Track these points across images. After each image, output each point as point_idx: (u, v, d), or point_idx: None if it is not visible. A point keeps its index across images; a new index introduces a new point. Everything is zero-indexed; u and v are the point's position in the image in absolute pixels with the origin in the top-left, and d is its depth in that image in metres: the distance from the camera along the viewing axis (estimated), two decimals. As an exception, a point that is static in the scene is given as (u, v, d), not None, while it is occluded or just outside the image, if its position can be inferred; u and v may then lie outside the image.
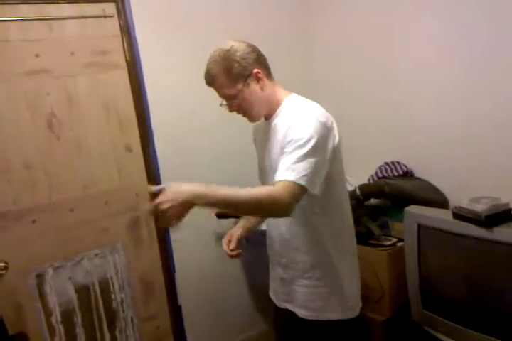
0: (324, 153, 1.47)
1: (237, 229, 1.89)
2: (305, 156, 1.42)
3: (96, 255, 2.35)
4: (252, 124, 1.76)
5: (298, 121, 1.49)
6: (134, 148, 2.40)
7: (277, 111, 1.61)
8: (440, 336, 2.10)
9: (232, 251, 1.83)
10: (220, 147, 2.66)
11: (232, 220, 2.60)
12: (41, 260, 2.20)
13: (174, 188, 1.32)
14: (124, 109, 2.35)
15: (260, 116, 1.63)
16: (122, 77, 2.33)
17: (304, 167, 1.41)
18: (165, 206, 1.27)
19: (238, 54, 1.54)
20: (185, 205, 1.30)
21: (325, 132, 1.48)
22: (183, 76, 2.49)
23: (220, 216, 2.60)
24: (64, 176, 2.22)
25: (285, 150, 1.46)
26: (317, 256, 1.63)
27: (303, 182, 1.40)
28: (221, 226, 2.70)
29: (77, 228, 2.28)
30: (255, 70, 1.55)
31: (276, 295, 1.82)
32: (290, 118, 1.53)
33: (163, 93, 2.45)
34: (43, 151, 2.16)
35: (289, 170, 1.41)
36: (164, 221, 1.32)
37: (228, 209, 1.49)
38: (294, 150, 1.43)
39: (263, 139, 1.69)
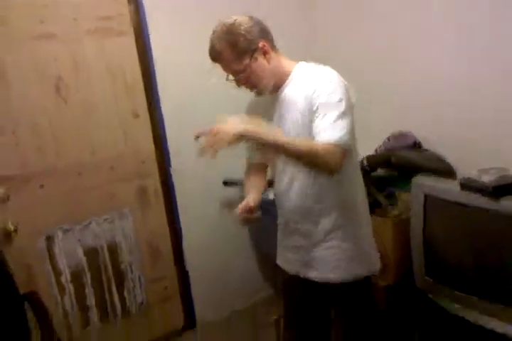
0: (352, 114, 1.50)
1: (253, 197, 1.78)
2: (340, 117, 1.44)
3: (105, 220, 2.40)
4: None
5: (322, 84, 1.48)
6: (141, 114, 2.40)
7: (287, 81, 1.59)
8: (442, 302, 2.14)
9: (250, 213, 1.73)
10: (228, 112, 2.62)
11: (238, 188, 2.63)
12: (50, 223, 2.24)
13: (233, 121, 1.41)
14: (131, 75, 2.34)
15: (269, 89, 1.60)
16: (129, 42, 2.31)
17: (343, 126, 1.44)
18: (219, 131, 1.37)
19: (242, 27, 1.51)
20: (236, 137, 1.38)
21: (347, 93, 1.50)
22: (191, 42, 2.44)
23: (226, 183, 2.62)
24: (71, 141, 2.24)
25: (316, 114, 1.47)
26: (339, 219, 1.64)
27: (344, 142, 1.44)
28: (228, 194, 2.72)
29: (85, 193, 2.31)
30: (261, 43, 1.53)
31: (289, 264, 1.80)
32: (308, 85, 1.51)
33: (170, 59, 2.42)
34: (51, 115, 2.17)
35: (329, 130, 1.43)
36: (209, 143, 1.39)
37: (281, 153, 1.49)
38: (327, 112, 1.45)
39: (269, 112, 1.65)
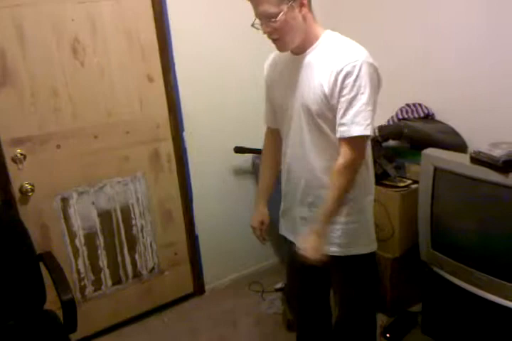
0: (376, 96, 1.51)
1: (261, 214, 1.90)
2: (366, 105, 1.45)
3: (118, 182, 2.44)
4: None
5: (351, 64, 1.44)
6: (156, 78, 2.41)
7: (314, 45, 1.54)
8: (446, 275, 2.15)
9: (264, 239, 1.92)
10: (242, 76, 2.64)
11: (249, 155, 2.65)
12: (66, 184, 2.29)
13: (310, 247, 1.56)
14: (147, 38, 2.34)
15: (293, 45, 1.53)
16: (145, 4, 2.30)
17: (365, 116, 1.46)
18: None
19: None
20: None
21: (376, 74, 1.49)
22: (208, 3, 2.46)
23: (237, 150, 2.64)
24: (87, 103, 2.26)
25: (342, 99, 1.46)
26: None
27: (368, 133, 1.48)
28: (239, 161, 2.75)
29: (100, 155, 2.35)
30: None
31: (294, 235, 1.79)
32: (337, 59, 1.47)
33: (186, 21, 2.41)
34: (68, 77, 2.19)
35: (354, 124, 1.46)
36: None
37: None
38: (353, 98, 1.45)
39: (286, 75, 1.62)
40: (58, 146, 2.23)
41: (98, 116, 2.31)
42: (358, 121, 1.45)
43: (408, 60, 2.47)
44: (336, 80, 1.46)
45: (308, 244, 1.55)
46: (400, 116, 2.41)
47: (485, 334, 2.09)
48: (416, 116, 2.38)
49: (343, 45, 1.51)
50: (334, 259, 1.68)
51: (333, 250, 1.68)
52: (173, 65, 2.42)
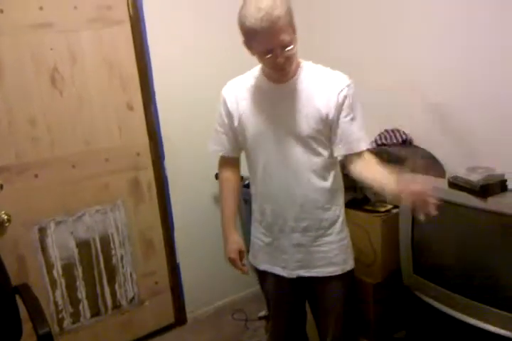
0: None
1: (236, 243, 1.80)
2: (362, 121, 1.62)
3: (97, 211, 2.41)
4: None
5: (347, 86, 1.56)
6: (136, 106, 2.42)
7: (297, 73, 1.58)
8: (429, 300, 2.15)
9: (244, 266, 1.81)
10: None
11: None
12: (43, 214, 2.26)
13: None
14: (126, 66, 2.35)
15: (292, 74, 1.58)
16: (125, 33, 2.32)
17: (366, 132, 1.64)
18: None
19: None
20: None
21: None
22: (188, 32, 2.48)
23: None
24: (66, 132, 2.25)
25: (345, 119, 1.57)
26: (337, 210, 1.71)
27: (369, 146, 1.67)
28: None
29: (79, 184, 2.33)
30: None
31: (285, 265, 1.75)
32: (331, 82, 1.57)
33: (167, 50, 2.44)
34: (46, 106, 2.18)
35: (362, 140, 1.61)
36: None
37: None
38: (355, 118, 1.59)
39: (269, 104, 1.61)
40: (36, 175, 2.20)
41: (76, 145, 2.30)
42: (363, 137, 1.61)
43: (386, 87, 2.51)
44: (337, 102, 1.55)
45: (415, 184, 1.40)
46: (379, 142, 2.45)
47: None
48: (394, 141, 2.42)
49: (326, 71, 1.61)
50: (326, 280, 1.72)
51: (331, 270, 1.71)
52: (154, 93, 2.44)
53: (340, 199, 1.74)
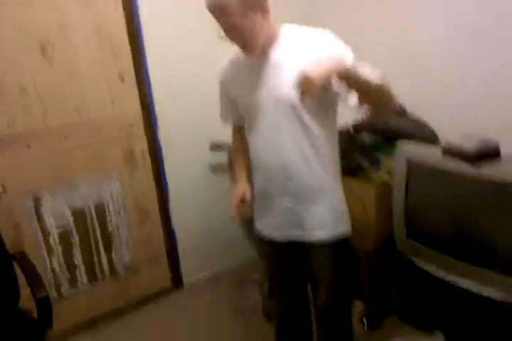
0: None
1: (241, 187, 1.83)
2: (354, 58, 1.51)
3: (91, 181, 2.41)
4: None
5: (325, 36, 1.52)
6: (128, 76, 2.38)
7: (274, 44, 1.57)
8: (421, 263, 2.20)
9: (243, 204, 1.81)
10: (214, 72, 2.59)
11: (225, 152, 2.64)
12: (37, 183, 2.25)
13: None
14: (117, 37, 2.30)
15: (259, 48, 1.57)
16: (116, 3, 2.26)
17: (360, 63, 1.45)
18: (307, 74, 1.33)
19: None
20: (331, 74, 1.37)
21: None
22: (180, 2, 2.41)
23: (213, 148, 2.63)
24: (57, 102, 2.22)
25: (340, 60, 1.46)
26: (327, 178, 1.69)
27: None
28: (214, 157, 2.74)
29: (72, 154, 2.32)
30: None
31: (278, 228, 1.80)
32: (309, 41, 1.53)
33: (158, 18, 2.37)
34: (37, 76, 2.15)
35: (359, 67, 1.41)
36: (301, 86, 1.36)
37: (363, 91, 1.45)
38: (343, 55, 1.50)
39: (255, 74, 1.62)
40: (28, 146, 2.19)
41: (69, 115, 2.27)
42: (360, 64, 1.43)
43: (381, 55, 2.47)
44: (319, 53, 1.48)
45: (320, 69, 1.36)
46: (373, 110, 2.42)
47: (459, 319, 2.15)
48: (389, 109, 2.40)
49: (308, 32, 1.57)
50: (318, 244, 1.73)
51: (320, 234, 1.72)
52: (146, 62, 2.39)
53: (333, 167, 1.72)
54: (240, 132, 1.87)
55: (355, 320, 2.23)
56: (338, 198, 1.75)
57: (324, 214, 1.71)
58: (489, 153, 1.91)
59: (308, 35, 1.56)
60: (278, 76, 1.57)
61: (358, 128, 2.29)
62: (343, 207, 1.78)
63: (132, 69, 2.38)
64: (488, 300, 1.97)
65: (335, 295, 1.87)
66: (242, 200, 1.80)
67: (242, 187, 1.83)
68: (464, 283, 2.05)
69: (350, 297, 1.96)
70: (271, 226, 1.82)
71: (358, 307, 2.47)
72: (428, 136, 2.27)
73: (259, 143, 1.71)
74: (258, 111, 1.65)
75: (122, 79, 2.36)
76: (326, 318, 1.96)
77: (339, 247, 1.78)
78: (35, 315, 1.90)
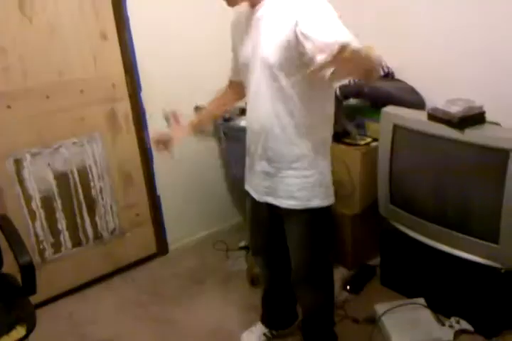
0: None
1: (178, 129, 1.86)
2: (334, 20, 1.30)
3: (74, 143, 2.38)
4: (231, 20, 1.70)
5: (304, 2, 1.36)
6: (110, 35, 2.32)
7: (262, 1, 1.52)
8: (404, 229, 2.24)
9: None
10: (201, 32, 2.57)
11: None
12: (18, 145, 2.22)
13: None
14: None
15: (239, 1, 1.54)
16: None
17: (343, 29, 1.28)
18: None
19: None
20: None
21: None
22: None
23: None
24: (38, 61, 2.17)
25: (306, 25, 1.28)
26: (304, 148, 1.63)
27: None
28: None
29: (54, 116, 2.27)
30: None
31: (256, 189, 1.81)
32: (291, 3, 1.41)
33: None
34: (16, 35, 2.09)
35: (335, 33, 1.23)
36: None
37: (360, 67, 1.28)
38: (319, 22, 1.28)
39: (245, 30, 1.60)
40: (9, 106, 2.14)
41: (50, 75, 2.21)
42: (340, 35, 1.23)
43: (370, 18, 2.44)
44: (296, 22, 1.34)
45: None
46: (361, 74, 2.41)
47: (439, 283, 2.19)
48: (376, 73, 2.38)
49: None
50: (291, 213, 1.72)
51: (292, 203, 1.70)
52: (128, 21, 2.32)
53: (315, 137, 1.64)
54: (231, 86, 1.87)
55: (337, 286, 2.26)
56: (317, 172, 1.69)
57: (297, 185, 1.68)
58: (474, 119, 1.91)
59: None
60: (263, 34, 1.52)
61: (344, 93, 2.26)
62: (324, 180, 1.71)
63: (114, 28, 2.32)
64: (467, 263, 2.01)
65: (310, 265, 1.87)
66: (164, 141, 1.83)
67: (178, 129, 1.86)
68: (445, 247, 2.08)
69: (327, 267, 1.93)
70: (252, 186, 1.83)
71: (340, 273, 2.50)
72: (415, 102, 2.27)
73: (248, 102, 1.71)
74: (247, 69, 1.64)
75: (104, 37, 2.30)
76: (302, 294, 1.98)
77: (313, 217, 1.75)
78: (19, 279, 1.89)
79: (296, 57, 1.43)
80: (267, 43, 1.50)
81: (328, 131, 1.71)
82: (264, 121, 1.64)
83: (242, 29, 1.64)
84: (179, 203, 2.84)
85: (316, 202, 1.71)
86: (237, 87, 1.84)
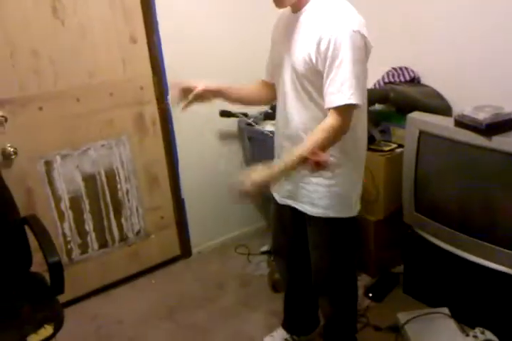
0: (364, 63, 1.48)
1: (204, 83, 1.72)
2: (349, 72, 1.43)
3: (102, 146, 2.42)
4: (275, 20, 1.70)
5: (335, 29, 1.42)
6: (139, 39, 2.37)
7: (307, 5, 1.52)
8: (428, 237, 2.20)
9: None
10: (225, 37, 2.61)
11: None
12: (49, 147, 2.27)
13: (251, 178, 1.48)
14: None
15: (288, 3, 1.52)
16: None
17: (351, 85, 1.43)
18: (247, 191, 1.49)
19: None
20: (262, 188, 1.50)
21: (361, 41, 1.45)
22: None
23: (223, 114, 2.61)
24: (69, 64, 2.22)
25: (328, 68, 1.45)
26: (331, 155, 1.60)
27: (353, 101, 1.45)
28: (224, 125, 2.73)
29: (84, 118, 2.32)
30: None
31: (279, 191, 1.82)
32: (323, 20, 1.45)
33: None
34: (48, 37, 2.14)
35: (339, 93, 1.44)
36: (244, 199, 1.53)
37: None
38: (335, 67, 1.43)
39: (283, 33, 1.61)
40: (40, 108, 2.19)
41: (80, 78, 2.26)
42: (343, 90, 1.44)
43: (395, 23, 2.43)
44: (318, 48, 1.45)
45: (252, 174, 1.48)
46: (386, 80, 2.40)
47: (464, 293, 2.15)
48: (402, 79, 2.37)
49: (334, 9, 1.48)
50: (313, 220, 1.71)
51: (312, 210, 1.70)
52: (157, 25, 2.37)
53: (343, 146, 1.61)
54: (262, 84, 1.83)
55: (360, 293, 2.24)
56: (342, 182, 1.67)
57: (318, 193, 1.67)
58: (502, 125, 1.88)
59: (330, 15, 1.46)
60: (296, 42, 1.54)
61: (370, 98, 2.25)
62: (348, 191, 1.70)
63: (144, 31, 2.36)
64: (494, 273, 1.97)
65: (329, 280, 1.86)
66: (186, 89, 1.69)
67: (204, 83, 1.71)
68: (470, 256, 2.04)
69: (350, 275, 1.92)
70: (275, 189, 1.83)
71: (363, 279, 2.48)
72: (440, 107, 2.24)
73: (278, 105, 1.72)
74: (279, 71, 1.64)
75: (134, 41, 2.35)
76: (322, 301, 1.97)
77: (334, 226, 1.73)
78: (47, 278, 1.91)
79: (319, 72, 1.49)
80: (298, 51, 1.52)
81: (360, 145, 1.69)
82: (291, 125, 1.65)
83: (281, 32, 1.65)
84: (203, 206, 2.86)
85: (337, 212, 1.70)
86: (266, 88, 1.82)
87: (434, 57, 2.34)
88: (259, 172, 1.49)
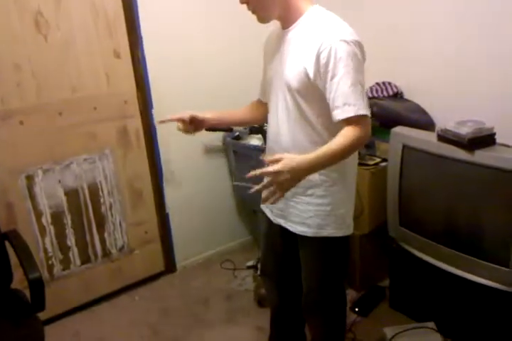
0: (363, 73, 1.48)
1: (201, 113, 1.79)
2: (353, 85, 1.42)
3: (85, 160, 2.40)
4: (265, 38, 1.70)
5: (332, 45, 1.41)
6: (123, 54, 2.36)
7: (297, 21, 1.51)
8: (414, 251, 2.20)
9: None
10: (209, 52, 2.61)
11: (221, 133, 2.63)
12: (30, 161, 2.24)
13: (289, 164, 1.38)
14: (113, 12, 2.28)
15: (269, 19, 1.54)
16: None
17: (357, 97, 1.42)
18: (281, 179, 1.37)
19: None
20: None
21: (359, 51, 1.45)
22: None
23: (209, 129, 2.60)
24: (52, 78, 2.21)
25: (329, 81, 1.43)
26: (323, 175, 1.59)
27: (362, 112, 1.42)
28: (209, 139, 2.73)
29: (66, 132, 2.30)
30: None
31: (271, 209, 1.78)
32: (318, 33, 1.45)
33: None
34: (31, 51, 2.13)
35: (346, 106, 1.42)
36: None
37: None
38: (339, 79, 1.42)
39: (274, 49, 1.60)
40: (21, 122, 2.17)
41: (63, 92, 2.25)
42: (350, 102, 1.42)
43: (378, 38, 2.46)
44: (317, 62, 1.43)
45: (287, 160, 1.38)
46: (370, 95, 2.42)
47: (450, 307, 2.15)
48: (385, 94, 2.40)
49: (326, 22, 1.48)
50: (304, 238, 1.69)
51: (303, 230, 1.68)
52: (141, 40, 2.37)
53: (337, 165, 1.55)
54: (257, 104, 1.83)
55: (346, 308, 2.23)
56: (334, 201, 1.65)
57: (309, 211, 1.65)
58: (484, 139, 1.90)
59: (323, 28, 1.46)
60: (288, 58, 1.53)
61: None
62: (340, 210, 1.67)
63: (128, 46, 2.36)
64: (479, 287, 1.97)
65: (320, 300, 1.84)
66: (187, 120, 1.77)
67: (201, 113, 1.78)
68: (456, 270, 2.04)
69: (339, 292, 1.88)
70: (268, 206, 1.80)
71: (349, 295, 2.47)
72: (423, 122, 2.27)
73: (269, 122, 1.70)
74: (271, 88, 1.63)
75: (118, 56, 2.35)
76: (311, 320, 1.94)
77: (325, 245, 1.71)
78: (28, 295, 1.88)
79: (315, 87, 1.48)
80: (290, 67, 1.51)
81: (351, 163, 1.67)
82: (283, 143, 1.62)
83: (272, 48, 1.64)
84: (188, 221, 2.83)
85: (329, 232, 1.67)
86: (262, 107, 1.80)
87: (417, 73, 2.37)
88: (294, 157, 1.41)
